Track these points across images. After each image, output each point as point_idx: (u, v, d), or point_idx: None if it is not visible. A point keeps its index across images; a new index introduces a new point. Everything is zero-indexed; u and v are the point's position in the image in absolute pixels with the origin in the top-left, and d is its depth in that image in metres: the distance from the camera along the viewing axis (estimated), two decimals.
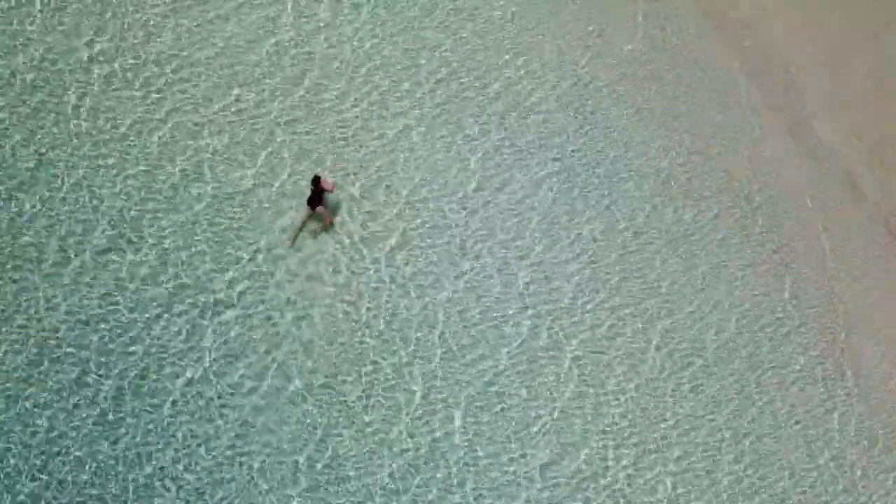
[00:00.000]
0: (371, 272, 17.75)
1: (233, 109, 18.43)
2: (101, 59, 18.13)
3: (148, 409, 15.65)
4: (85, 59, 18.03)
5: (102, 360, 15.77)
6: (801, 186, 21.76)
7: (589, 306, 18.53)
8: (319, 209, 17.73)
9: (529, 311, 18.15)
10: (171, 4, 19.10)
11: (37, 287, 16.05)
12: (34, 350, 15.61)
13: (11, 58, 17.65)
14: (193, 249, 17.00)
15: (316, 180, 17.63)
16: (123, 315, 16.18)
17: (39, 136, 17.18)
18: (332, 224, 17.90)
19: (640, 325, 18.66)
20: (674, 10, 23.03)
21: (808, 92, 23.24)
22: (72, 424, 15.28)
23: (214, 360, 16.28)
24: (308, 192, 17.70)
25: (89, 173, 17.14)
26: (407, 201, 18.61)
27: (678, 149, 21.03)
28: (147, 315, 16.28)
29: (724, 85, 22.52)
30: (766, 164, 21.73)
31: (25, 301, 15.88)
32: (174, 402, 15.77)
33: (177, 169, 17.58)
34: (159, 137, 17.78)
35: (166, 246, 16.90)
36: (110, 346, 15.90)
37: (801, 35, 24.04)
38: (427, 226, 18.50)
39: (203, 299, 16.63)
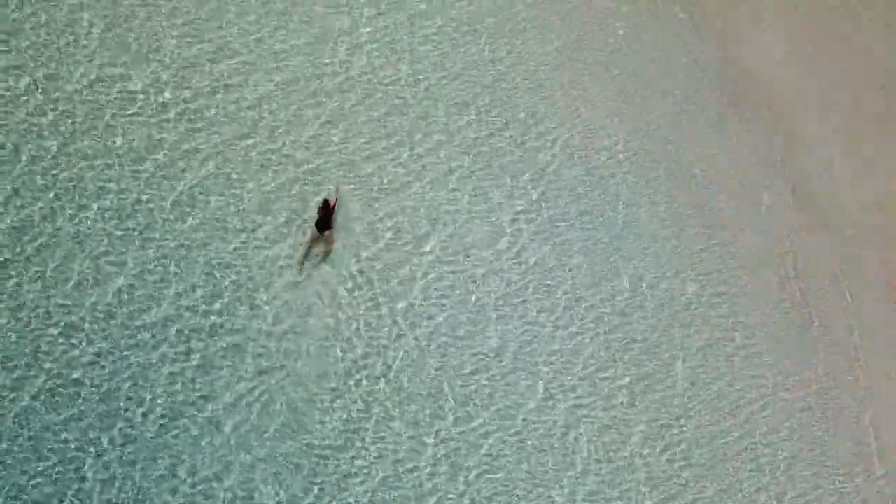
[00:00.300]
0: (388, 327, 17.62)
1: (253, 153, 18.32)
2: (133, 90, 18.22)
3: (131, 433, 15.55)
4: (119, 88, 18.17)
5: (91, 380, 15.69)
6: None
7: (602, 377, 18.32)
8: (327, 233, 17.77)
9: (542, 382, 17.94)
10: (207, 45, 19.14)
11: (37, 303, 15.99)
12: (24, 362, 15.54)
13: (59, 82, 17.81)
14: (191, 281, 16.91)
15: (325, 203, 17.71)
16: (115, 340, 16.09)
17: (64, 161, 17.31)
18: (331, 250, 17.92)
19: (653, 404, 18.42)
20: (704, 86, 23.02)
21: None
22: (56, 444, 15.22)
23: (224, 407, 16.19)
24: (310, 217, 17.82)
25: (96, 193, 17.14)
26: (432, 257, 18.50)
27: (697, 219, 20.94)
28: (139, 340, 16.20)
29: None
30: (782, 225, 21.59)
31: (22, 315, 15.84)
32: (158, 431, 15.69)
33: (206, 206, 17.60)
34: (189, 175, 17.83)
35: (164, 272, 16.81)
36: (100, 365, 15.81)
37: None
38: (448, 283, 18.37)
39: (201, 332, 16.60)
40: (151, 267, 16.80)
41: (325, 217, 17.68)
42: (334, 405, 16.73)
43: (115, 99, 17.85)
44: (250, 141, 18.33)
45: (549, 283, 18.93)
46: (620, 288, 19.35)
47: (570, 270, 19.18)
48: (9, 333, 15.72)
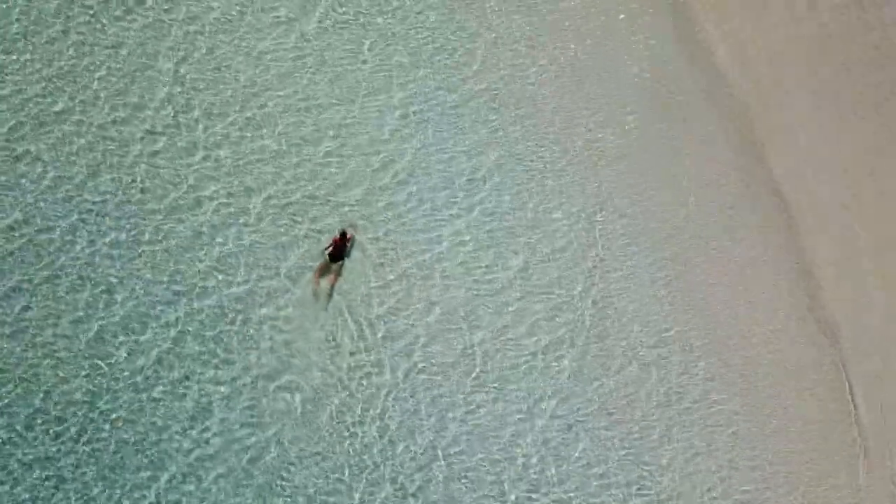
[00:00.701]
0: (388, 390, 17.48)
1: (273, 203, 18.33)
2: (159, 130, 18.35)
3: (112, 471, 15.49)
4: (149, 126, 18.35)
5: (79, 416, 15.66)
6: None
7: (592, 473, 17.96)
8: (335, 266, 17.94)
9: (532, 470, 17.65)
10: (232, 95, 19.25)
11: (52, 345, 16.01)
12: (15, 390, 15.54)
13: (90, 114, 17.99)
14: (193, 324, 16.88)
15: (343, 235, 17.93)
16: (111, 376, 16.05)
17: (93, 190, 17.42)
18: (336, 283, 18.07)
19: None
20: None
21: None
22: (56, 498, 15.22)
23: (211, 455, 16.08)
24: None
25: (112, 226, 17.20)
26: (440, 326, 18.35)
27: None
28: (134, 377, 16.18)
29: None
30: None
31: (24, 341, 15.87)
32: (143, 469, 15.65)
33: (215, 252, 17.61)
34: (203, 219, 17.89)
35: (168, 311, 16.82)
36: (90, 403, 15.78)
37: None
38: (451, 357, 18.17)
39: (198, 377, 16.54)
40: (157, 304, 16.81)
41: (341, 248, 17.89)
42: (320, 467, 16.54)
43: (142, 136, 18.01)
44: (269, 192, 18.37)
45: (551, 367, 18.70)
46: (624, 381, 19.07)
47: (574, 358, 18.94)
48: (5, 357, 15.75)
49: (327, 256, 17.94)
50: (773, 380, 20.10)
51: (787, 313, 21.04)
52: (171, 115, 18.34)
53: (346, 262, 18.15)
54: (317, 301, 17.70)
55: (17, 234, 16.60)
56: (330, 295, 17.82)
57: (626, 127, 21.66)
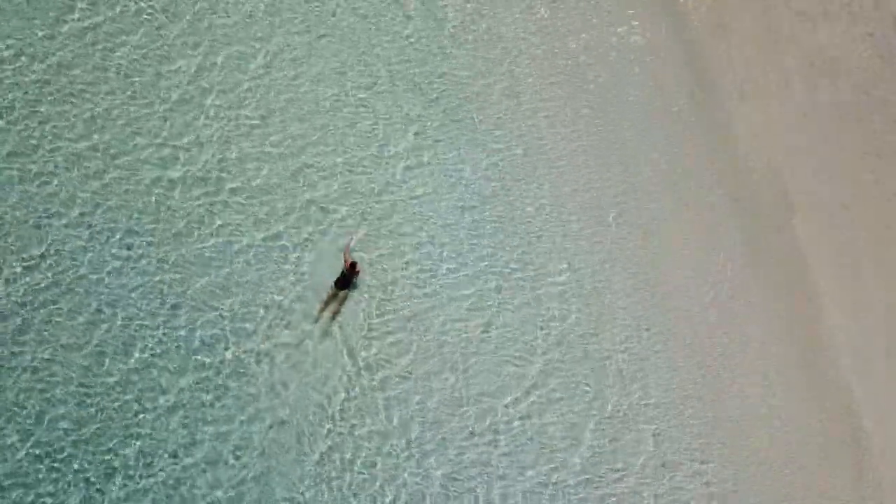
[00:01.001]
0: (384, 456, 17.44)
1: (291, 256, 18.41)
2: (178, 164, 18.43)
3: None
4: (181, 172, 18.39)
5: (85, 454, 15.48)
6: None
7: None
8: (342, 293, 18.16)
9: None
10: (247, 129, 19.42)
11: (50, 367, 15.75)
12: (17, 436, 15.25)
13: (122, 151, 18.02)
14: (216, 369, 16.79)
15: (353, 265, 18.12)
16: (119, 419, 15.84)
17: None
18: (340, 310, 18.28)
19: None
20: None
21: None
22: None
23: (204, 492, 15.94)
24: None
25: (128, 268, 17.09)
26: (442, 396, 18.31)
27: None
28: (143, 421, 16.00)
29: None
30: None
31: (24, 382, 15.56)
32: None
33: (220, 290, 17.55)
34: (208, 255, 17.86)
35: (181, 357, 16.66)
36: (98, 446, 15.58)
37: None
38: (446, 431, 18.10)
39: (203, 422, 16.44)
40: (156, 334, 16.68)
41: (349, 277, 18.12)
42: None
43: (175, 178, 18.06)
44: (284, 242, 18.43)
45: (555, 448, 18.63)
46: (636, 458, 18.95)
47: (578, 435, 18.94)
48: (13, 391, 15.58)
49: (333, 284, 18.11)
50: (772, 384, 20.19)
51: (787, 314, 21.07)
52: (198, 154, 18.42)
53: (353, 294, 18.25)
54: (316, 324, 17.68)
55: (39, 266, 16.50)
56: (332, 321, 17.84)
57: (651, 200, 21.97)
